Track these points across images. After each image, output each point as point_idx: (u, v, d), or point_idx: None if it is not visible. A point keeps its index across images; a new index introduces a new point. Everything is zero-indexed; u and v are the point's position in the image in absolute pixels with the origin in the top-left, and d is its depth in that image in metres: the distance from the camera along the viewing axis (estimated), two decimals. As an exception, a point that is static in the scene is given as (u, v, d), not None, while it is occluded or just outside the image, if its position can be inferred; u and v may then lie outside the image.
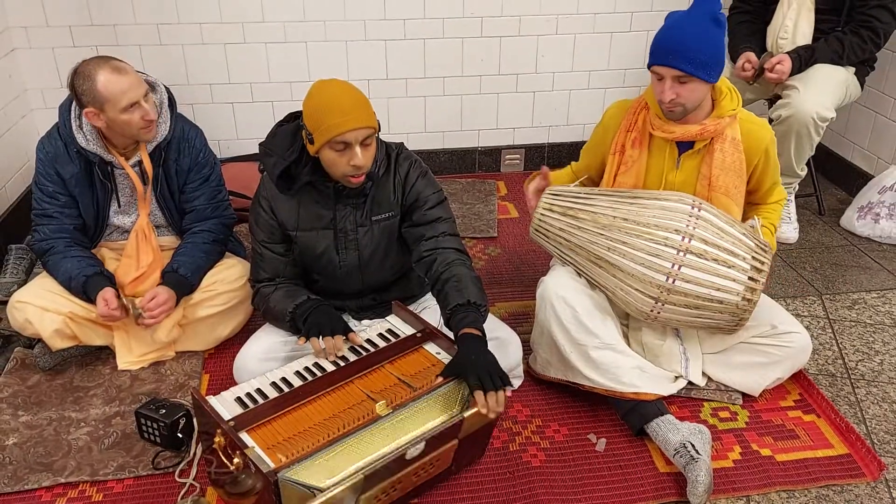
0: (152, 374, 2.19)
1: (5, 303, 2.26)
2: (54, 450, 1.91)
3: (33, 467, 1.85)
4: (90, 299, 2.10)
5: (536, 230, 2.05)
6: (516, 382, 2.10)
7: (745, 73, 2.77)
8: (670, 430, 1.86)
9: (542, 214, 2.02)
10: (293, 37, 3.13)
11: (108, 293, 2.08)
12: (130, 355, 2.21)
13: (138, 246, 2.22)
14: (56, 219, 2.16)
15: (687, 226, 1.86)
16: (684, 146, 2.02)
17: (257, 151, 1.95)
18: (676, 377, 2.07)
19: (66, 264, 2.12)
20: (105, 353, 2.25)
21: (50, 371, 2.19)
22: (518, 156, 3.56)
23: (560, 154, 3.55)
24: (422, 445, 1.56)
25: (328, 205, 1.93)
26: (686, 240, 1.85)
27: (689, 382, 2.08)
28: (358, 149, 1.76)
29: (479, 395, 1.61)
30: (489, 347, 1.73)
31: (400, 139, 3.38)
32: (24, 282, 2.55)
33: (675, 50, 1.83)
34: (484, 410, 1.60)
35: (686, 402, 2.07)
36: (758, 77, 2.76)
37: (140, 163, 2.15)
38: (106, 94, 1.97)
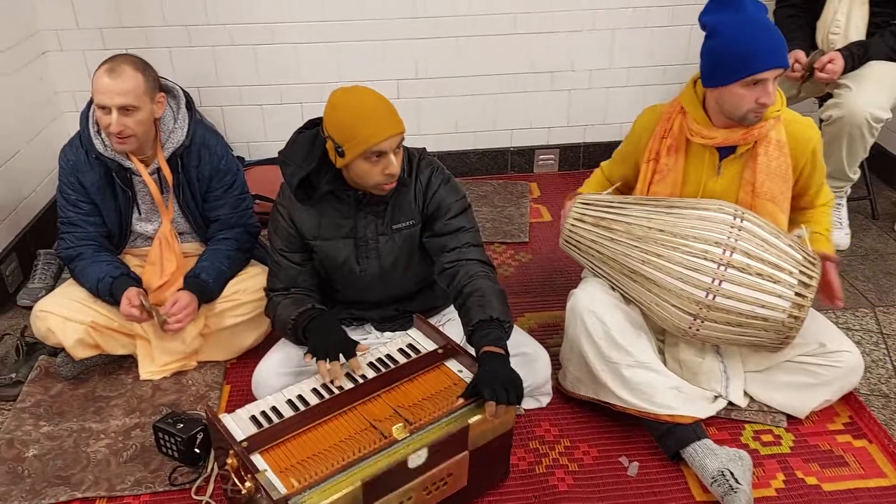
0: (174, 384, 2.16)
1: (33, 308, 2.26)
2: (73, 463, 1.88)
3: (51, 481, 1.83)
4: (117, 301, 2.07)
5: (566, 241, 1.95)
6: (544, 400, 2.01)
7: (794, 74, 2.61)
8: (708, 456, 1.75)
9: (572, 225, 1.92)
10: (323, 37, 3.08)
11: (131, 292, 2.05)
12: (152, 365, 2.18)
13: (162, 253, 2.19)
14: (80, 227, 2.14)
15: (728, 238, 1.74)
16: (725, 151, 1.90)
17: None
18: (716, 397, 1.95)
19: (94, 268, 2.11)
20: (128, 362, 2.23)
21: (73, 380, 2.17)
22: (552, 156, 3.45)
23: (596, 154, 3.43)
24: (424, 452, 1.49)
25: (349, 213, 1.87)
26: (727, 253, 1.73)
27: (730, 403, 1.96)
28: (392, 156, 1.71)
29: (490, 404, 1.54)
30: (515, 364, 1.65)
31: (430, 140, 3.33)
32: (52, 287, 2.55)
33: (778, 47, 1.72)
34: (490, 417, 1.54)
35: (726, 424, 1.95)
36: (808, 78, 2.60)
37: (159, 169, 2.11)
38: (93, 90, 1.97)
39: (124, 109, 1.95)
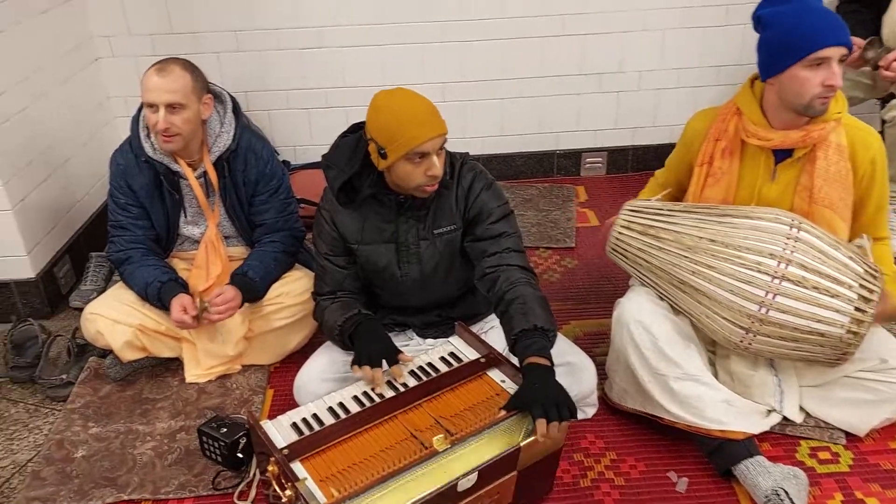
0: (218, 387, 2.18)
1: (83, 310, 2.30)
2: (119, 464, 1.91)
3: (98, 482, 1.85)
4: (164, 306, 2.10)
5: (613, 249, 1.90)
6: (590, 411, 1.96)
7: (853, 56, 2.44)
8: (761, 474, 1.68)
9: (619, 233, 1.87)
10: (368, 40, 3.08)
11: (184, 298, 2.07)
12: (198, 368, 2.20)
13: (208, 257, 2.21)
14: (129, 230, 2.17)
15: (784, 249, 1.67)
16: (781, 155, 1.82)
17: None
18: (769, 411, 1.88)
19: (142, 272, 2.14)
20: (174, 365, 2.25)
21: (121, 382, 2.21)
22: (600, 159, 3.39)
23: (646, 157, 3.36)
24: (474, 477, 1.45)
25: (390, 218, 1.85)
26: (782, 265, 1.66)
27: (784, 418, 1.88)
28: (435, 158, 1.69)
29: (541, 423, 1.49)
30: (559, 374, 1.61)
31: (475, 143, 3.31)
32: (103, 289, 2.60)
33: (840, 26, 1.65)
34: (542, 439, 1.48)
35: (780, 440, 1.87)
36: (869, 66, 2.44)
37: (206, 173, 2.13)
38: (142, 89, 2.00)
39: (171, 107, 1.98)
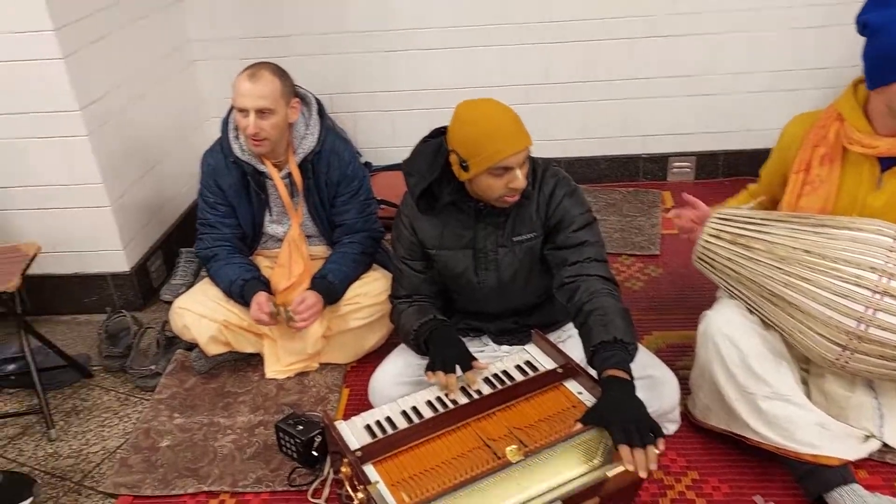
0: (296, 384, 2.22)
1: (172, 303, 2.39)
2: (201, 455, 1.97)
3: (181, 472, 1.92)
4: (247, 303, 2.16)
5: (700, 259, 1.82)
6: (671, 427, 1.89)
7: None
8: (856, 503, 1.57)
9: (707, 241, 1.79)
10: (453, 42, 3.08)
11: (261, 297, 2.12)
12: (278, 364, 2.25)
13: (290, 255, 2.26)
14: (217, 228, 2.24)
15: (886, 263, 1.55)
16: (887, 162, 1.70)
17: None
18: (867, 437, 1.75)
19: (228, 270, 2.20)
20: (255, 360, 2.31)
21: (205, 375, 2.28)
22: (688, 164, 3.27)
23: (738, 163, 3.22)
24: None
25: (469, 224, 1.84)
26: (884, 279, 1.54)
27: (884, 444, 1.75)
28: (518, 171, 1.67)
29: (624, 450, 1.40)
30: (640, 388, 1.55)
31: (557, 145, 3.25)
32: (192, 284, 2.69)
33: None
34: (631, 468, 1.41)
35: (879, 468, 1.75)
36: None
37: (290, 174, 2.17)
38: (233, 93, 2.05)
39: (261, 112, 2.03)
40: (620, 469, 1.42)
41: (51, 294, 2.63)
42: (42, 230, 2.52)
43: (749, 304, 1.77)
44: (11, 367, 2.29)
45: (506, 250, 1.85)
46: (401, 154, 3.24)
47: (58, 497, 1.89)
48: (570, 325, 2.00)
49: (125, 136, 2.62)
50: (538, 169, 1.84)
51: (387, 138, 3.29)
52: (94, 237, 2.57)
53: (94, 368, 2.38)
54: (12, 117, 2.36)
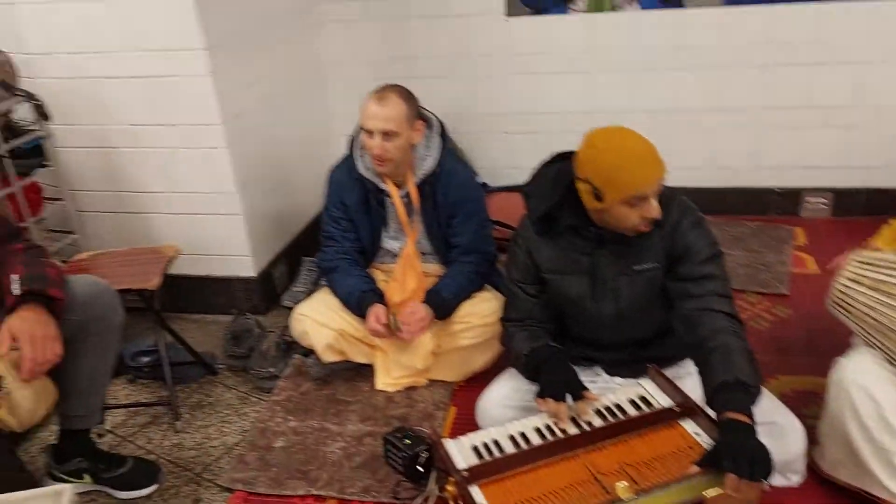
0: (405, 398, 2.26)
1: (293, 309, 2.49)
2: (312, 459, 2.04)
3: (293, 473, 1.99)
4: (362, 314, 2.22)
5: (836, 303, 1.71)
6: (795, 479, 1.77)
7: None
8: None
9: (845, 286, 1.68)
10: (577, 67, 3.07)
11: (378, 309, 2.18)
12: (388, 377, 2.30)
13: (405, 271, 2.31)
14: (339, 242, 2.33)
15: None
16: None
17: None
18: None
19: (347, 281, 2.28)
20: (367, 371, 2.36)
21: (319, 380, 2.36)
22: (825, 200, 3.09)
23: (881, 202, 3.01)
24: None
25: (588, 250, 1.81)
26: None
27: None
28: (652, 200, 1.64)
29: (732, 477, 1.37)
30: (762, 434, 1.47)
31: (682, 174, 3.14)
32: (311, 292, 2.80)
33: None
34: (731, 493, 1.36)
35: None
36: None
37: (409, 193, 2.23)
38: (361, 115, 2.13)
39: (386, 134, 2.09)
40: (719, 492, 1.37)
41: (184, 293, 2.81)
42: (180, 233, 2.70)
43: (889, 355, 1.64)
44: (146, 359, 2.46)
45: (625, 279, 1.81)
46: (518, 176, 3.26)
47: (179, 486, 2.00)
48: (689, 362, 1.92)
49: (260, 149, 2.77)
50: (663, 198, 1.79)
51: (505, 159, 3.31)
52: (226, 243, 2.73)
53: (219, 367, 2.51)
54: (163, 128, 2.55)
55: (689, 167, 3.13)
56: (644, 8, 2.92)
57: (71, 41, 2.46)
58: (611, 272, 1.81)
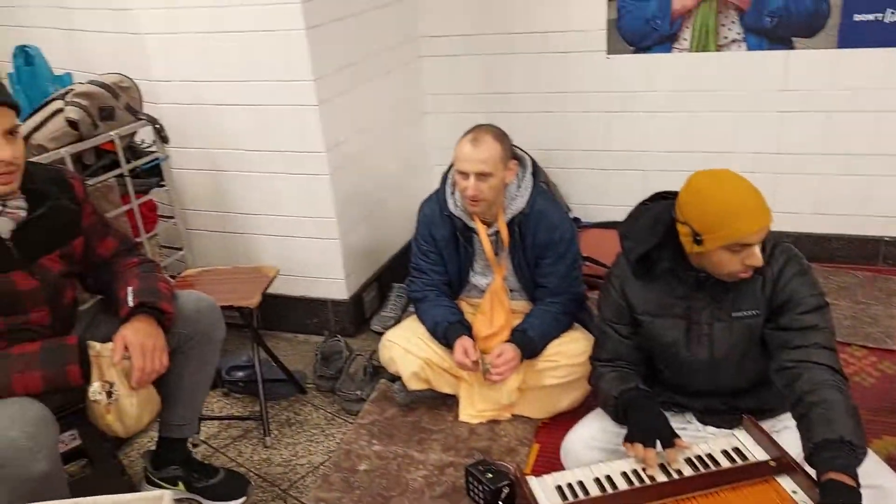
0: (488, 430, 2.25)
1: (382, 333, 2.55)
2: (394, 485, 2.06)
3: (375, 498, 2.02)
4: (449, 344, 2.24)
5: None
6: (899, 548, 1.66)
7: None
8: None
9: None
10: (677, 106, 3.03)
11: (466, 342, 2.20)
12: (472, 409, 2.31)
13: (492, 306, 2.32)
14: (427, 274, 2.37)
15: None
16: None
17: (621, 220, 1.89)
18: None
19: (435, 311, 2.31)
20: (451, 401, 2.38)
21: (404, 407, 2.39)
22: (940, 252, 2.91)
23: None
24: None
25: (685, 293, 1.77)
26: None
27: None
28: (756, 248, 1.60)
29: None
30: (865, 498, 1.39)
31: (785, 219, 3.04)
32: (400, 318, 2.86)
33: None
34: None
35: None
36: None
37: (498, 232, 2.25)
38: (455, 156, 2.17)
39: (481, 175, 2.12)
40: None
41: (279, 312, 2.91)
42: (280, 254, 2.81)
43: None
44: (241, 374, 2.56)
45: (722, 325, 1.76)
46: (612, 212, 3.25)
47: (266, 501, 2.06)
48: (788, 416, 1.84)
49: (358, 176, 2.86)
50: (767, 244, 1.74)
51: (599, 195, 3.29)
52: (321, 266, 2.82)
53: (308, 386, 2.59)
54: (270, 154, 2.67)
55: (794, 212, 3.02)
56: (751, 49, 2.86)
57: (191, 70, 2.63)
58: (707, 317, 1.76)
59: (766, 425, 1.80)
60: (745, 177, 1.64)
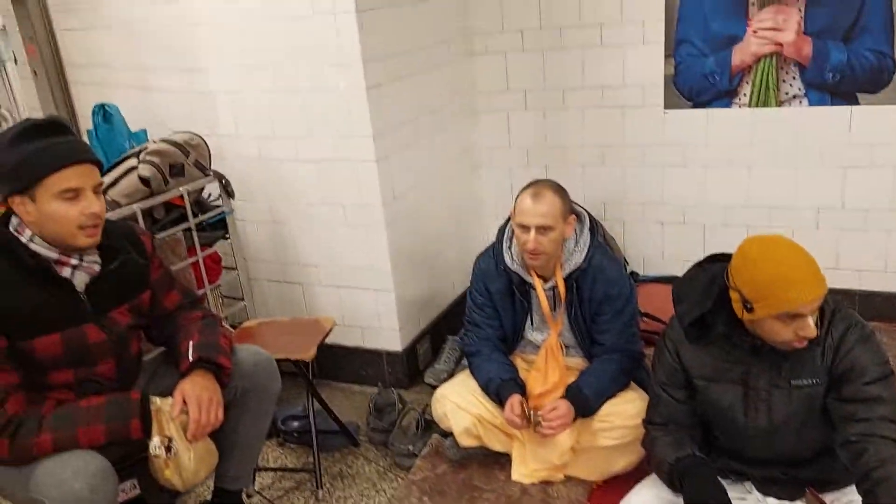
0: (540, 491, 2.22)
1: (436, 386, 2.56)
2: (443, 544, 2.04)
3: (423, 557, 2.00)
4: (501, 402, 2.23)
5: None
6: None
7: None
8: None
9: None
10: (736, 161, 2.99)
11: (514, 399, 2.19)
12: (524, 468, 2.28)
13: (547, 362, 2.30)
14: (482, 328, 2.37)
15: None
16: None
17: (679, 276, 1.87)
18: None
19: (488, 367, 2.31)
20: (504, 459, 2.35)
21: (456, 463, 2.38)
22: None
23: None
24: None
25: (741, 358, 1.73)
26: None
27: None
28: (809, 318, 1.56)
29: None
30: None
31: (851, 276, 2.95)
32: (453, 371, 2.86)
33: None
34: None
35: None
36: None
37: (555, 287, 2.24)
38: (514, 210, 2.19)
39: (542, 229, 2.14)
40: None
41: (335, 361, 2.96)
42: (336, 304, 2.87)
43: None
44: (296, 423, 2.60)
45: (780, 392, 1.71)
46: (670, 266, 3.21)
47: (316, 555, 2.07)
48: (852, 489, 1.76)
49: (414, 228, 2.91)
50: (826, 309, 1.69)
51: (656, 249, 3.25)
52: (376, 317, 2.86)
53: (361, 438, 2.61)
54: (330, 206, 2.75)
55: (858, 269, 2.92)
56: (813, 104, 2.82)
57: (256, 126, 2.74)
58: (765, 384, 1.72)
59: (829, 498, 1.74)
60: (799, 244, 1.61)
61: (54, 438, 1.60)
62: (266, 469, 2.46)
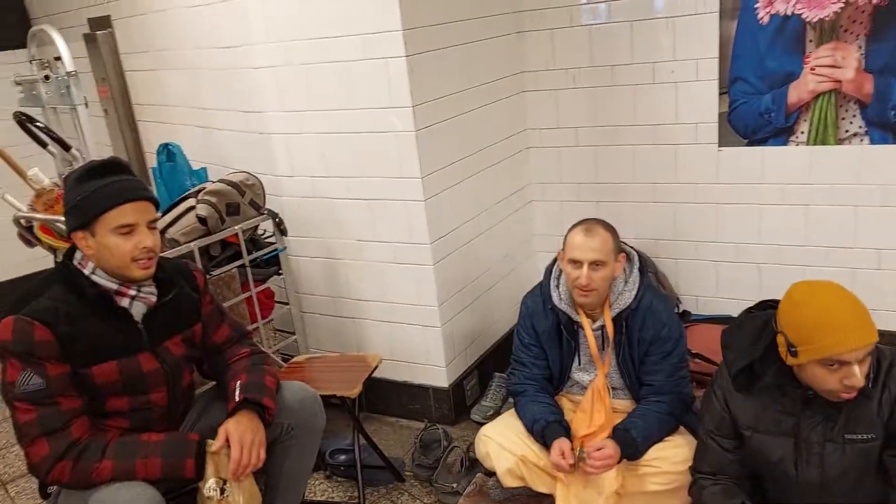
0: (584, 536, 2.18)
1: (482, 423, 2.55)
2: (484, 588, 2.03)
3: None
4: (546, 444, 2.22)
5: None
6: None
7: None
8: None
9: None
10: (795, 199, 2.91)
11: (564, 444, 2.16)
12: (568, 510, 2.24)
13: (593, 404, 2.28)
14: (528, 367, 2.37)
15: None
16: None
17: (733, 316, 1.83)
18: None
19: (533, 407, 2.30)
20: (547, 501, 2.32)
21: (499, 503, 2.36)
22: None
23: None
24: None
25: (793, 409, 1.69)
26: None
27: None
28: (856, 367, 1.52)
29: None
30: None
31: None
32: (500, 408, 2.85)
33: None
34: None
35: None
36: None
37: (603, 327, 2.22)
38: (565, 246, 2.20)
39: (594, 264, 2.14)
40: None
41: (383, 396, 2.99)
42: (385, 339, 2.91)
43: None
44: (343, 457, 2.63)
45: (834, 446, 1.65)
46: (723, 306, 3.14)
47: (358, 592, 2.08)
48: (912, 551, 1.69)
49: (462, 266, 2.93)
50: (884, 361, 1.64)
51: (709, 288, 3.18)
52: (424, 352, 2.88)
53: (407, 474, 2.61)
54: (380, 244, 2.80)
55: (924, 312, 2.80)
56: (875, 143, 2.74)
57: (310, 166, 2.83)
58: (817, 436, 1.67)
59: (887, 560, 1.66)
60: (849, 290, 1.56)
61: (114, 466, 1.67)
62: (312, 502, 2.50)
